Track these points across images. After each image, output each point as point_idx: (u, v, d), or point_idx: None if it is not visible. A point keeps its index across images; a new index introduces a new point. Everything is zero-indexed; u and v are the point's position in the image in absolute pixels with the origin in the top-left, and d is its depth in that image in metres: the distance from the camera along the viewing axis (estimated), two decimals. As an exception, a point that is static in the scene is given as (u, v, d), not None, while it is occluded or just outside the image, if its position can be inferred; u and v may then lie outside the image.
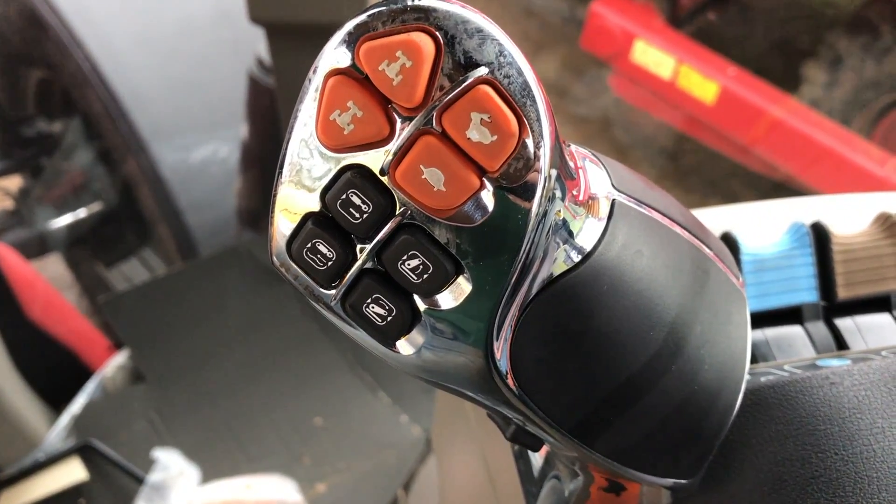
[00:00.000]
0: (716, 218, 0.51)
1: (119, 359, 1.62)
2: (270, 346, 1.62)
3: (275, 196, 0.24)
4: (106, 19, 1.81)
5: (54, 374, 1.61)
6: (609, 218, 0.27)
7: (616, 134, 2.85)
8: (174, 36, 1.85)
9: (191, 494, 1.34)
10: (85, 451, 1.41)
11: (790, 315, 0.45)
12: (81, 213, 2.00)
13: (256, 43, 1.57)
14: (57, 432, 1.46)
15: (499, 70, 0.22)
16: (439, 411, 0.71)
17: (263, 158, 1.82)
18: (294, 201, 0.24)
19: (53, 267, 2.08)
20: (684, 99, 2.47)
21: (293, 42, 1.08)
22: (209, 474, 1.39)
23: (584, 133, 2.83)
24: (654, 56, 2.50)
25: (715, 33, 2.80)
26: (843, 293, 0.44)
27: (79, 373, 1.61)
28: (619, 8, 2.61)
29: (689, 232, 0.30)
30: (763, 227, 0.50)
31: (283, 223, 0.24)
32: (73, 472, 1.39)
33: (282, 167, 0.24)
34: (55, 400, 1.57)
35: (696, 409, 0.30)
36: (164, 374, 1.59)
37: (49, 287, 1.68)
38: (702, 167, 2.75)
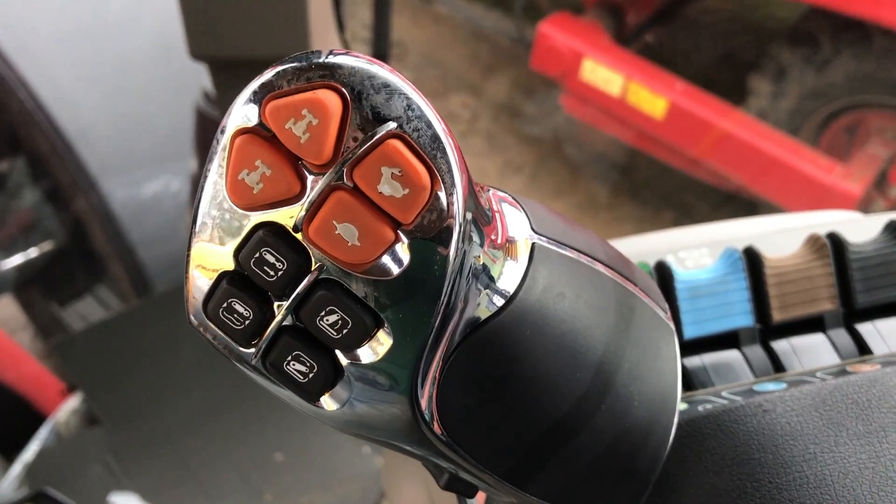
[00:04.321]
0: (651, 245, 0.51)
1: (72, 402, 1.58)
2: (227, 382, 1.61)
3: (189, 252, 0.24)
4: (48, 57, 1.79)
5: (5, 422, 1.58)
6: (529, 261, 0.27)
7: (568, 152, 2.88)
8: (118, 72, 1.83)
9: (150, 538, 1.31)
10: (39, 500, 1.38)
11: (727, 340, 0.45)
12: (32, 252, 1.97)
13: (201, 76, 1.56)
14: (9, 482, 1.43)
15: (407, 124, 0.22)
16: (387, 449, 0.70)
17: (214, 192, 1.81)
18: (208, 258, 0.23)
19: (5, 309, 2.04)
20: (634, 115, 2.50)
21: (237, 75, 1.07)
22: (168, 517, 1.37)
23: (536, 152, 2.86)
24: (602, 74, 2.53)
25: (662, 49, 2.86)
26: (777, 316, 0.45)
27: (31, 419, 1.57)
28: (566, 28, 2.64)
29: (613, 270, 0.30)
30: (700, 251, 0.50)
31: (198, 281, 0.24)
32: (26, 523, 1.35)
33: (195, 223, 0.23)
34: (7, 448, 1.54)
35: (629, 447, 0.30)
36: (118, 417, 1.57)
37: (-1, 332, 1.65)
38: (654, 181, 2.78)
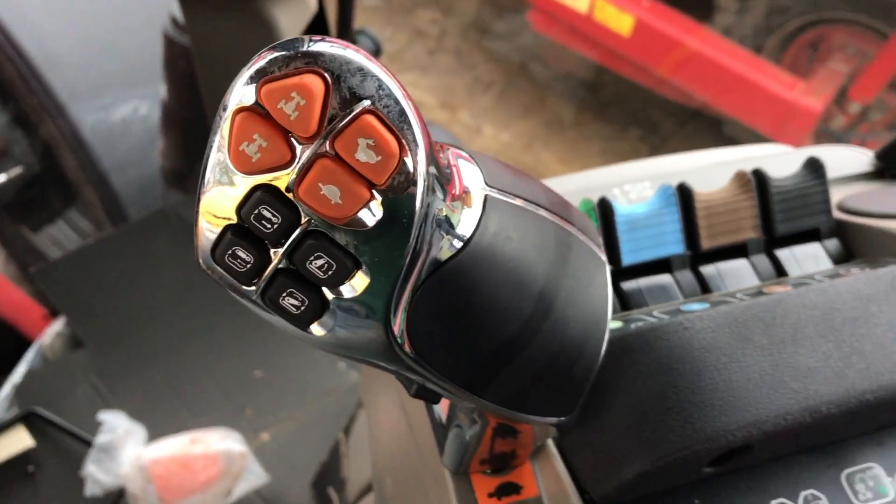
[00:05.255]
0: (600, 179, 0.57)
1: (56, 326, 1.62)
2: (206, 303, 1.65)
3: (198, 203, 0.28)
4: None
5: (-8, 346, 1.61)
6: (482, 210, 0.32)
7: (536, 70, 2.89)
8: (84, -2, 1.81)
9: (139, 453, 1.37)
10: (30, 419, 1.43)
11: (661, 265, 0.51)
12: (2, 178, 1.97)
13: (169, 2, 1.56)
14: (-1, 403, 1.47)
15: (379, 101, 0.26)
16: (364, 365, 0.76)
17: (185, 118, 1.81)
18: (214, 209, 0.28)
19: (-23, 234, 2.05)
20: (601, 32, 2.51)
21: (206, 4, 1.08)
22: (155, 432, 1.42)
23: (505, 70, 2.86)
24: (570, -10, 2.52)
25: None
26: (706, 244, 0.51)
27: (17, 343, 1.61)
28: (534, -57, 2.62)
29: (554, 213, 0.35)
30: (645, 185, 0.56)
31: (207, 228, 0.28)
32: (19, 441, 1.40)
33: (202, 183, 0.28)
34: (-6, 371, 1.57)
35: (567, 360, 0.35)
36: (102, 339, 1.61)
37: (-23, 260, 1.67)
38: (621, 98, 2.81)
